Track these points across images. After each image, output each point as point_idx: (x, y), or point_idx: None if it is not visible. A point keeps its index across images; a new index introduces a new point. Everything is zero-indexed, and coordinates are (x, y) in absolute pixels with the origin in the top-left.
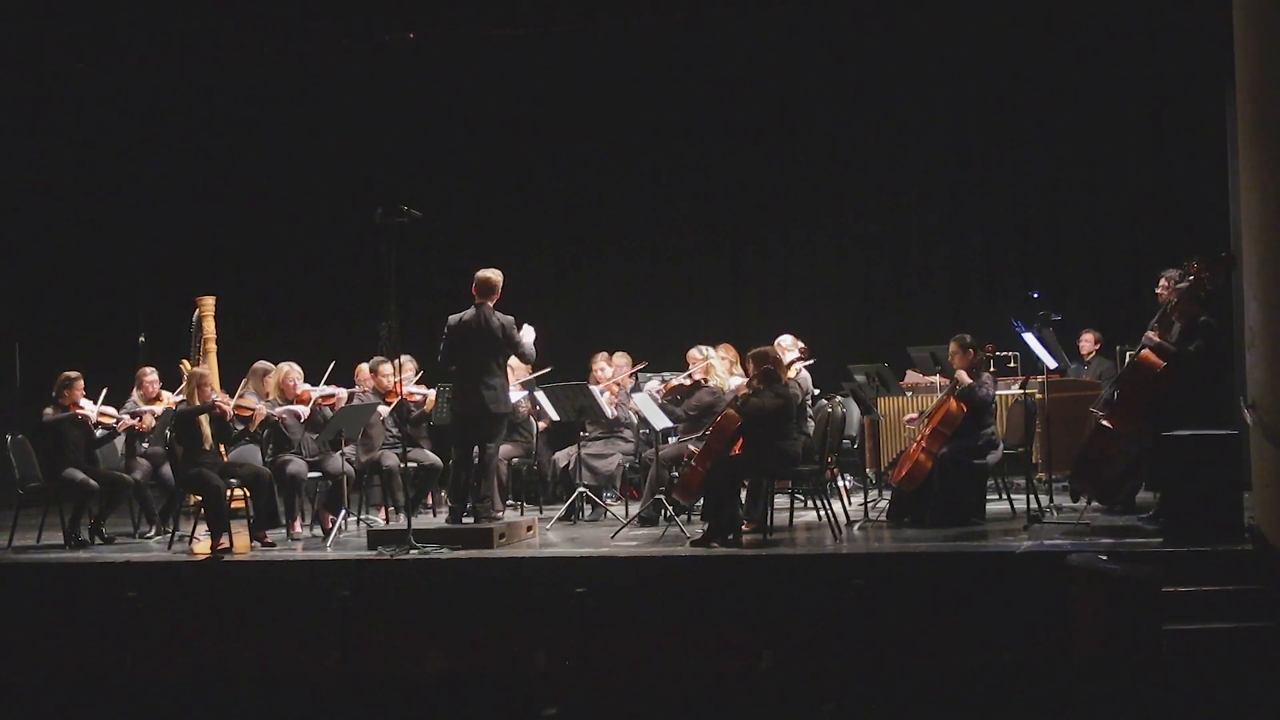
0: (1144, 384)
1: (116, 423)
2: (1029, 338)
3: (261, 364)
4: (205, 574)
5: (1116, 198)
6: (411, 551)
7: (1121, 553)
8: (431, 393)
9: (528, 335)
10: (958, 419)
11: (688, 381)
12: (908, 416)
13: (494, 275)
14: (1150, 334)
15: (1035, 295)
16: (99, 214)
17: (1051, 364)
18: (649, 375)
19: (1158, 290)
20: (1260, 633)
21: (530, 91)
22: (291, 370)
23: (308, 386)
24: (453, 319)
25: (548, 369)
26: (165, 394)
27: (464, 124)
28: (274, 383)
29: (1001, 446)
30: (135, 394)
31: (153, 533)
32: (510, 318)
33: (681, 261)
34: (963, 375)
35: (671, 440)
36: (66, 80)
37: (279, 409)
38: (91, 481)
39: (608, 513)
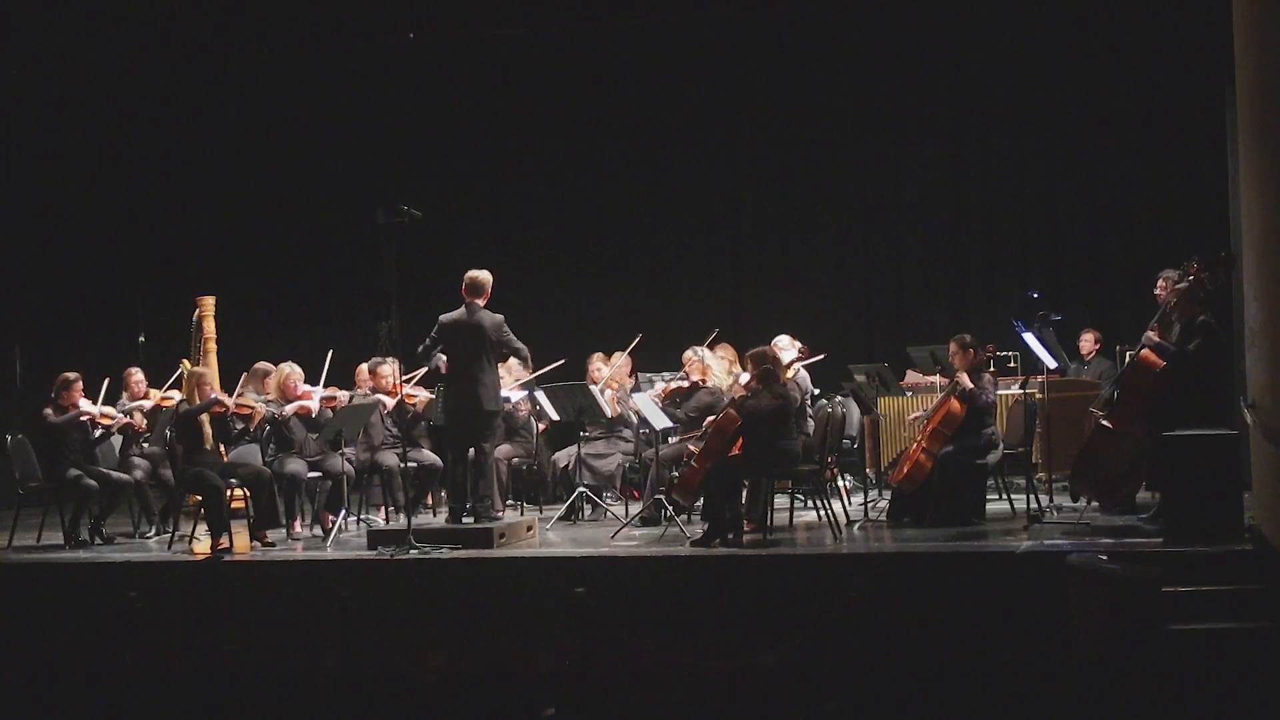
0: (1144, 384)
1: (114, 422)
2: (1029, 338)
3: (262, 364)
4: (205, 574)
5: (1116, 198)
6: (411, 551)
7: (1121, 553)
8: (428, 395)
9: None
10: (958, 419)
11: (685, 384)
12: (913, 415)
13: (483, 275)
14: (1150, 334)
15: (1035, 295)
16: (99, 214)
17: (1051, 364)
18: (650, 377)
19: (1156, 291)
20: (1260, 633)
21: (529, 91)
22: (293, 371)
23: (308, 387)
24: (444, 318)
25: (561, 361)
26: (154, 392)
27: (463, 124)
28: (274, 384)
29: (1001, 446)
30: (125, 395)
31: (152, 533)
32: (500, 316)
33: (681, 262)
34: (964, 378)
35: (671, 440)
36: (66, 80)
37: (288, 408)
38: (91, 481)
39: (608, 513)
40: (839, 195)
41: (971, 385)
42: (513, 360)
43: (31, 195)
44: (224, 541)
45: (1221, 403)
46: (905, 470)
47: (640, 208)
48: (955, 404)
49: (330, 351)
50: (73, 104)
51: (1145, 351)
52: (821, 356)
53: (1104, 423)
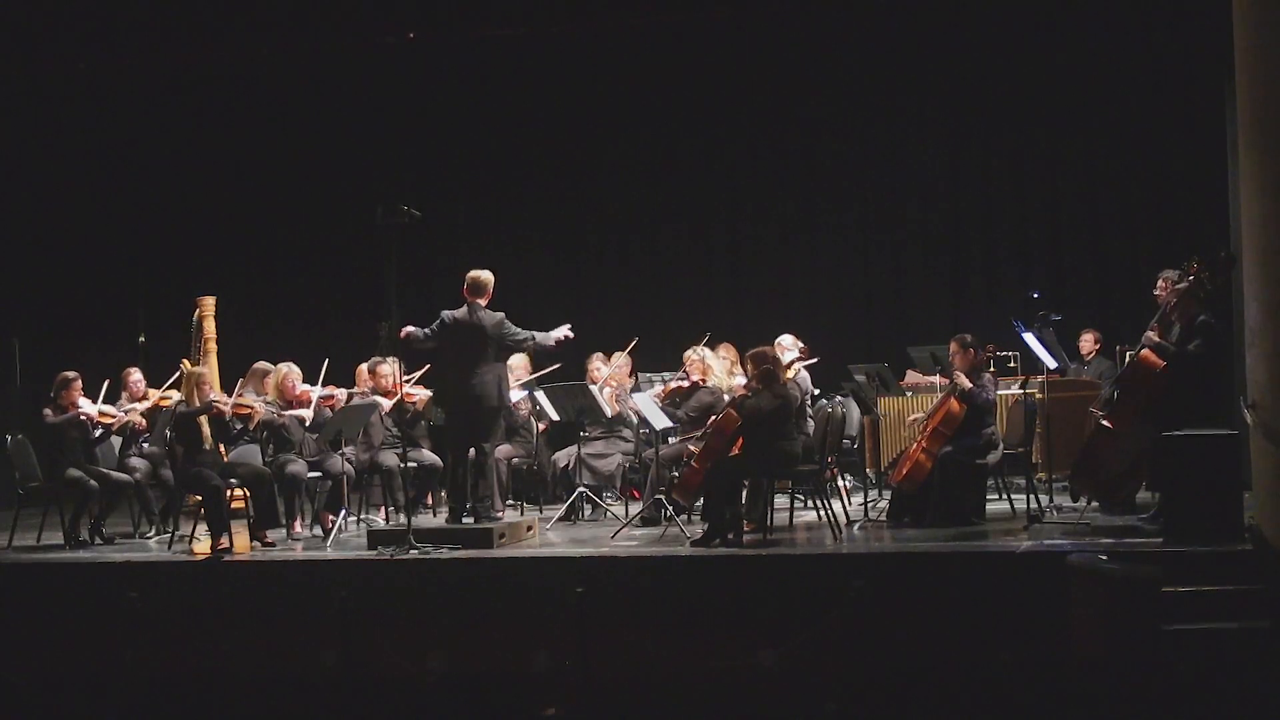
0: (1144, 384)
1: (113, 421)
2: (1029, 337)
3: (261, 364)
4: (205, 574)
5: (1117, 198)
6: (411, 551)
7: (1121, 552)
8: (428, 393)
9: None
10: (958, 419)
11: (685, 383)
12: (912, 417)
13: (485, 275)
14: (1150, 333)
15: (1035, 295)
16: (99, 214)
17: (1051, 364)
18: (650, 377)
19: (1156, 291)
20: (1260, 633)
21: (529, 91)
22: (290, 371)
23: (306, 387)
24: (446, 314)
25: (557, 365)
26: (152, 391)
27: (463, 124)
28: (273, 384)
29: (1001, 446)
30: (124, 395)
31: (153, 533)
32: (500, 315)
33: (681, 262)
34: (962, 379)
35: (671, 440)
36: (67, 80)
37: (286, 413)
38: (91, 481)
39: (608, 513)
40: (839, 195)
41: (970, 385)
42: (513, 359)
43: (32, 195)
44: (224, 541)
45: (1221, 403)
46: (905, 470)
47: (639, 208)
48: (955, 404)
49: (327, 360)
50: (73, 104)
51: (1145, 351)
52: (813, 360)
53: (1104, 423)
